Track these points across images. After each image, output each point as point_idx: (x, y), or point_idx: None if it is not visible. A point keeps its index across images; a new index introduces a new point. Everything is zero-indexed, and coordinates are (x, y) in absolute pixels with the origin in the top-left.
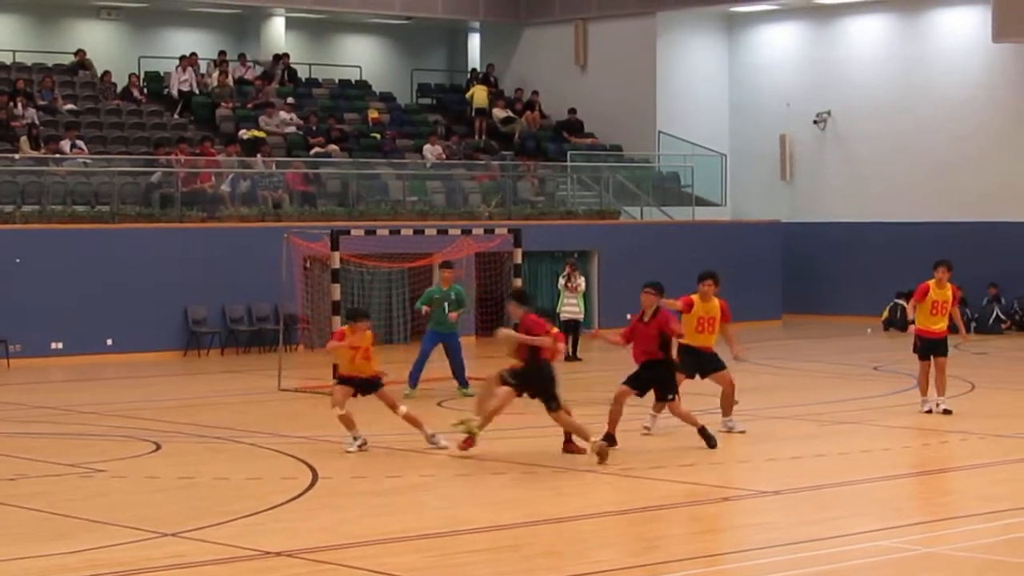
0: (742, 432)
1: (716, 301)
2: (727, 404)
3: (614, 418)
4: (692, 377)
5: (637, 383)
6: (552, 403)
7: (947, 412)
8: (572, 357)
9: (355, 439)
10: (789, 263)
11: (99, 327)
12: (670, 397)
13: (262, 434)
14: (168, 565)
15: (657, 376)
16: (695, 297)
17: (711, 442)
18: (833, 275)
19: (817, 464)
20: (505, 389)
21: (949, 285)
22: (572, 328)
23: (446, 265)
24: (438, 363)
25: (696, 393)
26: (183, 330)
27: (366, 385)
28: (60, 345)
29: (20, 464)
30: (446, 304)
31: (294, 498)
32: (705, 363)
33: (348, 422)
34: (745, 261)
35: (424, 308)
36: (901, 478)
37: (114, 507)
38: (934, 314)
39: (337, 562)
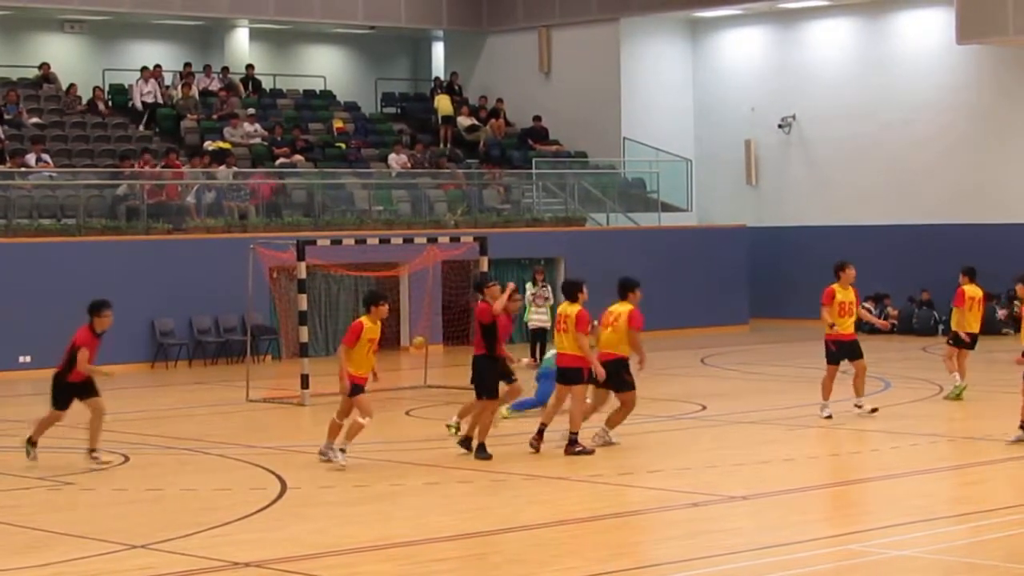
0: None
1: (851, 289)
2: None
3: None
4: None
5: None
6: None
7: (874, 411)
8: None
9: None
10: (755, 268)
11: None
12: None
13: (230, 445)
14: None
15: None
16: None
17: None
18: (800, 279)
19: (785, 468)
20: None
21: (851, 287)
22: (540, 336)
23: None
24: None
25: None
26: (150, 342)
27: None
28: (28, 359)
29: None
30: None
31: (263, 508)
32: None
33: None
34: (711, 266)
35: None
36: (870, 481)
37: (83, 520)
38: (841, 316)
39: (307, 572)
